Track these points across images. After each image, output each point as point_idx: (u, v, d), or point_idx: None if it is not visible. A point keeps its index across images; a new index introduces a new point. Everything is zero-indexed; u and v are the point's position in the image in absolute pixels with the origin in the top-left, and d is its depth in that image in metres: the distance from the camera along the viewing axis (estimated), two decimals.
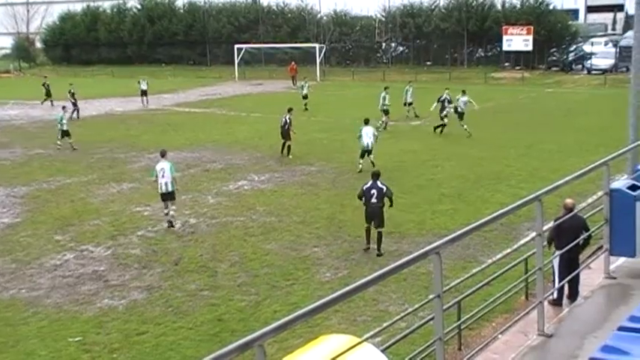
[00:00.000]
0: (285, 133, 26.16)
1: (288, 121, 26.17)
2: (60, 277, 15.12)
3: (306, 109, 37.44)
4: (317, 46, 56.47)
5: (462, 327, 10.94)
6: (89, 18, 73.47)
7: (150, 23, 69.55)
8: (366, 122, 24.26)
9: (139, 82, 42.85)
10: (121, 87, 50.52)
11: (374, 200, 15.87)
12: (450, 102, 29.98)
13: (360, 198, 16.27)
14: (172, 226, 18.11)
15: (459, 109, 29.94)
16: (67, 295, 14.16)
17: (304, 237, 17.18)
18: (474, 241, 15.75)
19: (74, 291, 14.34)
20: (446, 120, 29.61)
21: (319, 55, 55.95)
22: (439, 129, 29.70)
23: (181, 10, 71.19)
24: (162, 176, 18.16)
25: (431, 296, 5.33)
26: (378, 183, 15.99)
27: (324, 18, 64.93)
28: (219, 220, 18.76)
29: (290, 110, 26.96)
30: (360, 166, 23.43)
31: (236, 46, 59.47)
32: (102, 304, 13.65)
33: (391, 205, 16.12)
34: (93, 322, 12.88)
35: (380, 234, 15.88)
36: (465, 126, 29.25)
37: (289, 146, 26.15)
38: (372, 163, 22.97)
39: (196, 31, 68.21)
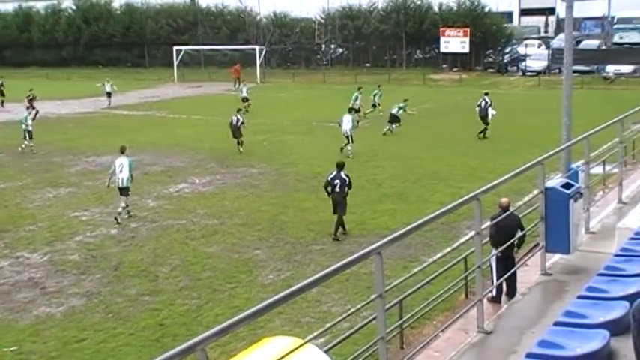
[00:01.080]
0: (236, 131, 27.18)
1: (239, 119, 27.29)
2: None
3: (247, 111, 37.21)
4: (257, 47, 56.28)
5: (403, 326, 11.04)
6: (21, 19, 71.48)
7: (86, 24, 68.17)
8: (349, 111, 27.60)
9: (102, 85, 42.19)
10: (57, 89, 49.42)
11: (337, 190, 16.93)
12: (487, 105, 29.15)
13: (325, 188, 17.22)
14: (119, 223, 18.36)
15: (396, 113, 30.20)
16: (1, 303, 13.77)
17: (246, 239, 17.11)
18: (414, 241, 15.93)
19: (9, 299, 13.96)
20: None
21: (259, 57, 55.79)
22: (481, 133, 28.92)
23: (118, 12, 70.00)
24: (121, 171, 18.87)
25: (373, 296, 5.37)
26: (342, 174, 17.06)
27: (264, 20, 64.75)
28: (160, 224, 18.53)
29: (239, 111, 28.34)
30: (343, 150, 25.62)
31: (175, 47, 58.78)
32: (39, 312, 13.32)
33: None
34: (29, 331, 12.56)
35: (341, 220, 16.91)
36: (394, 126, 29.79)
37: (242, 141, 27.21)
38: (342, 149, 25.73)
39: (134, 32, 67.18)
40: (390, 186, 21.41)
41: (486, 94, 30.48)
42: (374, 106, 34.82)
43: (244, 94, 39.17)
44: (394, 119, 30.25)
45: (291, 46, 63.49)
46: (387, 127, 30.10)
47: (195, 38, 64.24)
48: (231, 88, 50.28)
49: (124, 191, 18.95)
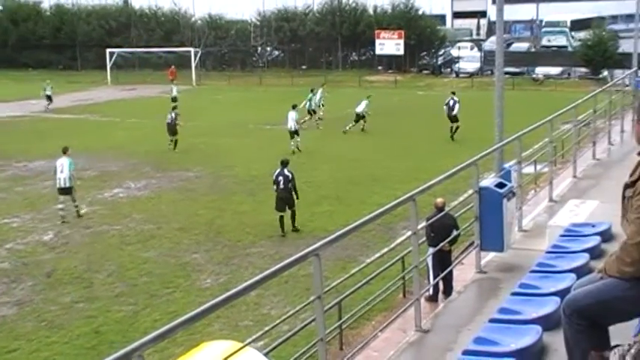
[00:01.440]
0: (173, 129, 27.92)
1: (174, 116, 28.18)
2: None
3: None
4: (192, 50, 55.73)
5: (343, 327, 11.09)
6: None
7: (14, 25, 66.19)
8: (294, 107, 28.11)
9: (44, 89, 41.49)
10: None
11: (281, 186, 17.45)
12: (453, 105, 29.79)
13: (274, 184, 17.67)
14: (80, 216, 19.03)
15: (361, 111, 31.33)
16: None
17: (183, 243, 16.93)
18: (352, 242, 16.02)
19: None
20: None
21: (194, 60, 55.28)
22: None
23: (48, 13, 68.31)
24: (62, 171, 18.99)
25: (312, 298, 5.38)
26: (285, 171, 17.61)
27: (199, 22, 64.18)
28: (95, 230, 18.18)
29: (174, 108, 29.56)
30: (292, 147, 26.65)
31: (108, 50, 57.71)
32: None
33: (297, 198, 17.58)
34: None
35: (293, 212, 17.45)
36: (352, 125, 30.97)
37: (176, 140, 27.84)
38: (298, 148, 26.81)
39: (65, 34, 65.62)
40: (328, 188, 21.50)
41: (453, 93, 31.19)
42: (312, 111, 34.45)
43: (174, 93, 39.79)
44: (359, 117, 30.97)
45: (227, 48, 63.07)
46: (349, 126, 30.89)
47: (128, 40, 63.22)
48: (166, 90, 49.66)
49: (66, 191, 18.95)
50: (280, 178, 17.53)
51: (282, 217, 17.42)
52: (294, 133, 27.23)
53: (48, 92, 41.48)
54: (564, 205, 9.48)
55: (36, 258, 16.19)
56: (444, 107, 30.14)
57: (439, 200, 12.62)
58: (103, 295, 13.99)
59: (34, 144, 29.94)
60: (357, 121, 31.03)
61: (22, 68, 63.75)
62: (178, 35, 62.92)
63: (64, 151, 19.62)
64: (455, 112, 29.51)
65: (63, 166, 19.05)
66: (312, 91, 33.96)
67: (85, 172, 24.50)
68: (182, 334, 10.33)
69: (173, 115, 28.17)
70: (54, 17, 67.04)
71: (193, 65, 54.88)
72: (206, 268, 15.36)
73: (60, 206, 18.84)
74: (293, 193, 17.59)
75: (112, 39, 62.99)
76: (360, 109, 31.39)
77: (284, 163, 17.86)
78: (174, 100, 38.20)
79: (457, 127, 29.31)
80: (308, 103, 33.19)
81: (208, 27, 62.67)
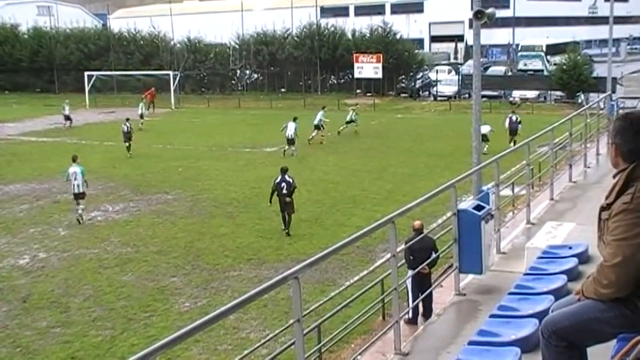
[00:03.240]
0: (129, 136, 32.07)
1: (130, 125, 32.37)
2: None
3: (141, 128, 39.33)
4: (171, 73, 55.68)
5: (322, 350, 11.04)
6: None
7: None
8: (294, 119, 31.41)
9: (63, 108, 43.90)
10: None
11: (285, 192, 19.02)
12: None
13: (273, 191, 19.12)
14: (80, 222, 20.50)
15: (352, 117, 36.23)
16: None
17: (162, 267, 16.80)
18: (332, 265, 16.00)
19: None
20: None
21: (173, 83, 55.24)
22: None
23: (25, 36, 68.03)
24: (75, 179, 20.93)
25: (291, 321, 5.35)
26: (286, 177, 19.21)
27: (178, 45, 64.24)
28: (72, 253, 17.99)
29: (128, 120, 33.23)
30: (285, 152, 30.54)
31: (86, 73, 57.49)
32: None
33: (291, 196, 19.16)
34: None
35: (290, 217, 19.09)
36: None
37: (130, 145, 31.83)
38: (292, 152, 30.29)
39: (43, 57, 65.32)
40: (307, 211, 21.47)
41: (513, 111, 32.95)
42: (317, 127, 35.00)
43: (140, 111, 42.40)
44: (316, 127, 33.89)
45: (206, 71, 63.11)
46: (342, 127, 35.58)
47: (107, 63, 63.08)
48: (145, 114, 49.58)
49: (80, 196, 21.02)
50: (283, 184, 19.09)
51: (284, 216, 19.22)
52: (291, 142, 30.76)
53: (66, 112, 43.56)
54: (542, 228, 9.52)
55: (11, 282, 15.97)
56: (506, 121, 31.63)
57: (417, 223, 12.66)
58: (80, 320, 13.82)
59: (9, 167, 29.68)
60: (317, 128, 34.25)
61: None
62: (157, 58, 62.92)
63: (74, 159, 21.66)
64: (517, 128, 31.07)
65: (76, 174, 20.98)
66: (323, 108, 36.69)
67: (62, 195, 24.29)
68: (160, 358, 10.22)
69: (129, 124, 32.41)
70: (32, 40, 66.76)
71: (172, 88, 54.81)
72: (185, 291, 15.24)
73: (78, 208, 20.84)
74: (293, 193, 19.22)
75: (90, 62, 62.81)
76: (316, 120, 34.20)
77: (284, 170, 19.42)
78: (141, 117, 41.50)
79: (514, 141, 29.95)
80: (319, 120, 34.86)
81: (187, 50, 62.74)
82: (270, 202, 19.32)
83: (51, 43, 65.80)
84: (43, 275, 16.44)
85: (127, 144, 31.97)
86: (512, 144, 29.25)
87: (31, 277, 16.36)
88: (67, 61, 64.47)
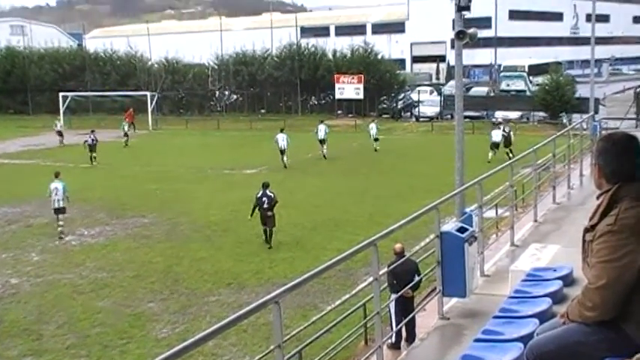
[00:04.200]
0: (93, 147, 36.58)
1: (95, 137, 36.68)
2: None
3: (127, 144, 43.90)
4: (148, 94, 55.68)
5: None
6: None
7: None
8: (282, 130, 34.82)
9: (55, 125, 47.12)
10: None
11: (266, 206, 19.93)
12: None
13: (255, 206, 20.09)
14: (62, 238, 21.30)
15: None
16: None
17: (139, 292, 16.67)
18: (313, 289, 15.95)
19: None
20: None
21: (151, 104, 55.19)
22: None
23: None
24: (56, 194, 21.90)
25: (272, 347, 5.33)
26: (267, 191, 20.17)
27: (155, 65, 64.28)
28: (45, 279, 17.80)
29: (93, 131, 37.50)
30: (283, 162, 33.26)
31: (61, 94, 57.29)
32: None
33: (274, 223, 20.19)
34: None
35: (272, 232, 20.01)
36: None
37: (95, 156, 36.48)
38: (285, 164, 33.14)
39: (16, 77, 65.05)
40: (287, 234, 21.43)
41: (499, 124, 35.41)
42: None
43: (125, 130, 45.21)
44: (282, 152, 34.38)
45: (184, 92, 63.12)
46: (375, 145, 38.47)
47: (82, 84, 62.97)
48: (121, 135, 49.51)
49: (61, 211, 21.96)
50: (264, 198, 20.00)
51: (266, 230, 20.05)
52: (283, 152, 33.52)
53: (58, 128, 46.43)
54: (526, 250, 9.56)
55: None
56: (502, 134, 33.84)
57: (397, 246, 12.68)
58: (53, 348, 13.65)
59: None
60: (323, 142, 36.64)
61: None
62: (134, 79, 62.90)
63: (56, 175, 22.75)
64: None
65: (57, 190, 21.94)
66: (322, 121, 38.61)
67: (35, 219, 24.11)
68: None
69: (93, 136, 36.70)
70: (4, 60, 66.49)
71: (150, 109, 54.77)
72: (162, 317, 15.12)
73: (60, 223, 21.74)
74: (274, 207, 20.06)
75: (65, 83, 62.67)
76: (322, 135, 36.58)
77: (265, 186, 20.33)
78: (125, 135, 44.57)
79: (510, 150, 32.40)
80: (325, 133, 37.11)
81: (165, 71, 62.80)
82: (251, 216, 20.30)
83: (24, 63, 65.58)
84: (14, 302, 16.24)
85: (91, 154, 36.15)
86: (509, 155, 30.89)
87: (2, 303, 16.16)
88: (41, 82, 64.26)
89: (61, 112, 56.35)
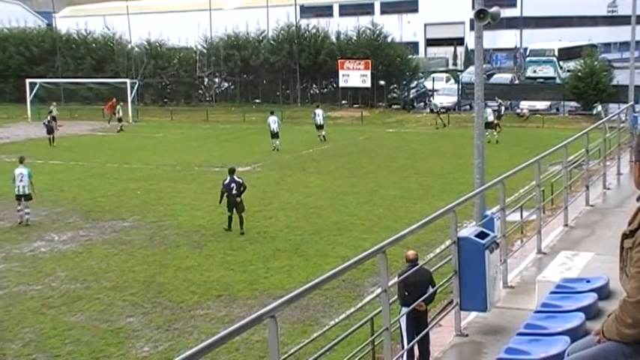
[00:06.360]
0: (50, 129, 42.00)
1: (50, 119, 42.67)
2: None
3: (123, 129, 47.25)
4: (128, 81, 55.64)
5: None
6: None
7: None
8: (272, 113, 38.81)
9: (50, 111, 47.04)
10: None
11: (234, 192, 22.06)
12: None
13: (222, 193, 22.39)
14: (27, 225, 23.38)
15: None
16: None
17: (117, 305, 16.68)
18: (314, 301, 15.96)
19: None
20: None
21: (131, 92, 55.18)
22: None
23: None
24: (21, 180, 23.72)
25: None
26: (235, 177, 22.42)
27: (136, 49, 64.29)
28: (9, 291, 17.82)
29: (50, 112, 45.36)
30: (274, 146, 37.15)
31: (28, 80, 57.31)
32: None
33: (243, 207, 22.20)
34: None
35: (241, 217, 21.99)
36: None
37: (54, 137, 42.14)
38: (277, 148, 37.05)
39: None
40: (286, 239, 21.45)
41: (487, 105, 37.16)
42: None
43: (119, 115, 49.05)
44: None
45: (169, 79, 63.12)
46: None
47: (53, 69, 63.01)
48: (97, 128, 49.65)
49: (25, 197, 23.69)
50: (233, 184, 22.13)
51: (230, 217, 22.06)
52: (275, 135, 37.23)
53: (54, 113, 47.38)
54: (555, 258, 9.57)
55: None
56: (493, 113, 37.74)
57: (411, 252, 12.66)
58: None
59: None
60: (321, 127, 40.77)
61: None
62: (112, 64, 62.95)
63: (21, 161, 24.51)
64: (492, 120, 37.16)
65: (22, 175, 23.76)
66: (318, 106, 43.09)
67: None
68: None
69: (49, 118, 42.76)
70: None
71: (129, 99, 54.75)
72: (143, 333, 15.13)
73: (19, 207, 23.63)
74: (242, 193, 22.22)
75: (33, 68, 62.74)
76: (320, 120, 40.75)
77: (232, 171, 22.67)
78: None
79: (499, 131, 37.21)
80: (323, 118, 41.62)
81: (147, 55, 62.78)
82: (220, 202, 22.61)
83: None
84: None
85: (50, 136, 41.51)
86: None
87: None
88: (5, 67, 64.31)
89: (28, 101, 56.42)
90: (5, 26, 68.45)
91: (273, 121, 37.92)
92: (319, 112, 41.64)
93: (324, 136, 40.94)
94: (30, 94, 56.85)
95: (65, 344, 14.68)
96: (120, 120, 48.88)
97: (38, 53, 64.85)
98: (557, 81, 53.42)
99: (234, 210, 22.16)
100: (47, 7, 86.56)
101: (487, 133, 35.79)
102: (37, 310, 16.56)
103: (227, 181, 22.46)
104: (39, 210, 25.69)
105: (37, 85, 57.78)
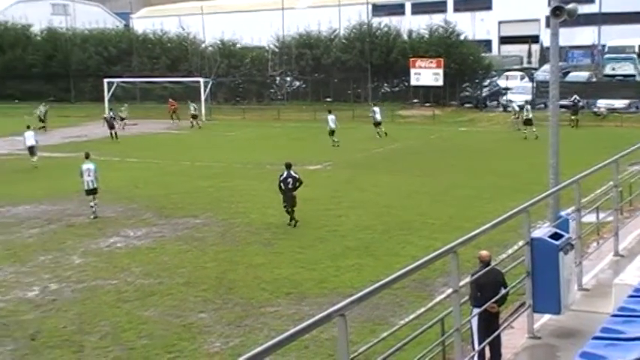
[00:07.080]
0: (110, 125, 44.66)
1: (112, 115, 46.48)
2: None
3: (199, 126, 50.12)
4: (201, 80, 56.37)
5: None
6: None
7: None
8: (330, 112, 40.88)
9: (120, 111, 50.70)
10: None
11: (290, 187, 22.52)
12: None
13: (280, 187, 22.68)
14: (96, 217, 24.20)
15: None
16: None
17: (189, 301, 16.89)
18: (383, 301, 15.90)
19: None
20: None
21: (204, 91, 55.85)
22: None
23: (39, 38, 69.58)
24: (89, 175, 24.51)
25: None
26: (292, 172, 22.79)
27: (210, 49, 65.08)
28: (87, 285, 18.21)
29: (111, 109, 48.43)
30: (334, 142, 38.83)
31: (106, 80, 58.51)
32: None
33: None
34: None
35: (293, 211, 22.51)
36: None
37: (116, 133, 44.59)
38: (337, 144, 38.62)
39: (58, 62, 66.80)
40: (356, 238, 21.43)
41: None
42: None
43: (193, 112, 50.54)
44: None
45: (241, 78, 63.77)
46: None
47: (129, 69, 64.24)
48: (172, 126, 50.47)
49: (93, 191, 24.59)
50: (289, 179, 22.58)
51: (288, 210, 22.57)
52: (332, 132, 39.38)
53: (123, 115, 50.38)
54: (633, 260, 9.36)
55: (18, 317, 16.21)
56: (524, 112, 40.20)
57: (484, 253, 12.48)
58: None
59: (19, 186, 30.26)
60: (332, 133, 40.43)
61: (6, 100, 64.67)
62: (186, 63, 63.89)
63: (87, 156, 25.45)
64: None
65: (90, 170, 24.60)
66: (330, 112, 42.08)
67: (77, 217, 24.70)
68: None
69: (112, 114, 46.03)
70: (45, 43, 68.32)
71: (203, 97, 55.47)
72: (214, 329, 15.29)
73: (91, 204, 24.45)
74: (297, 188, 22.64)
75: (110, 67, 64.09)
76: (333, 125, 40.61)
77: (288, 166, 22.99)
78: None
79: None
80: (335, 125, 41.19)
81: (220, 54, 63.51)
82: (281, 191, 22.94)
83: (67, 46, 67.30)
84: (54, 309, 16.65)
85: (111, 132, 43.92)
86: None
87: (41, 311, 16.59)
88: (85, 67, 65.85)
89: (106, 100, 57.56)
90: (86, 27, 69.94)
91: (331, 120, 39.94)
92: (377, 109, 43.12)
93: (384, 132, 41.98)
94: (107, 94, 58.01)
95: (140, 338, 14.93)
96: (194, 117, 50.48)
97: (116, 53, 66.20)
98: (637, 79, 52.14)
99: (290, 204, 22.61)
100: (125, 8, 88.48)
101: (526, 130, 37.88)
102: (113, 304, 16.89)
103: (284, 175, 22.83)
104: (115, 206, 26.24)
105: (115, 85, 58.88)
